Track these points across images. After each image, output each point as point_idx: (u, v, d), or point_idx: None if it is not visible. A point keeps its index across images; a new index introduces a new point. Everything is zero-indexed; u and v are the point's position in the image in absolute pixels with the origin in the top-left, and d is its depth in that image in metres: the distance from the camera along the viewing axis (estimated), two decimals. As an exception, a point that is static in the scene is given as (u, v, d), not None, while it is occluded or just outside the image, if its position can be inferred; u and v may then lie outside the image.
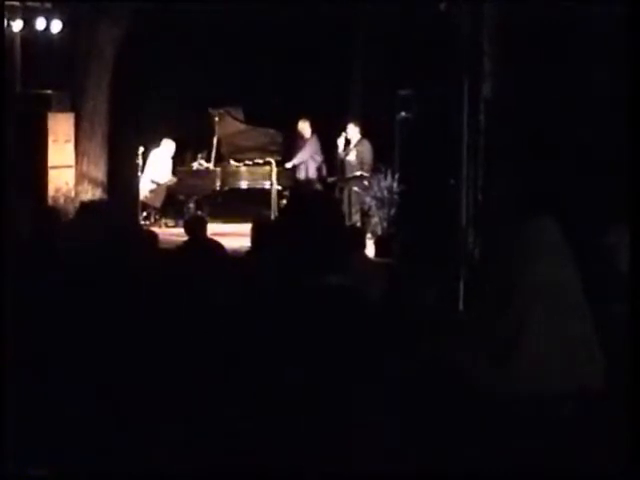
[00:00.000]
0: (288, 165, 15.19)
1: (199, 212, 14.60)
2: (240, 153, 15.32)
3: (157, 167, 15.33)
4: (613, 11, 8.70)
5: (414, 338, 5.33)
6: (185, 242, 9.08)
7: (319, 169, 15.12)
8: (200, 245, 8.88)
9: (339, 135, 14.77)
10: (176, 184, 15.26)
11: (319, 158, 15.11)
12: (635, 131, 5.69)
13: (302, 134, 15.16)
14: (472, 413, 5.26)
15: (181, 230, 14.34)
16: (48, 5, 14.46)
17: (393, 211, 13.27)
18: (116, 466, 3.09)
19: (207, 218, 10.79)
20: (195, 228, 9.17)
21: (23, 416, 3.17)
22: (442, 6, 10.49)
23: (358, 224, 13.81)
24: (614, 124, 8.77)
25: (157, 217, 15.56)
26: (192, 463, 2.94)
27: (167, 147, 15.48)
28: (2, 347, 3.32)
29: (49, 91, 14.48)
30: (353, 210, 14.47)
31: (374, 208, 13.71)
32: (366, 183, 14.12)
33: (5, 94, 10.11)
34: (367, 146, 14.65)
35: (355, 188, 14.49)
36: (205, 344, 3.17)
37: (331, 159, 15.09)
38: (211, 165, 15.23)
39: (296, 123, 15.21)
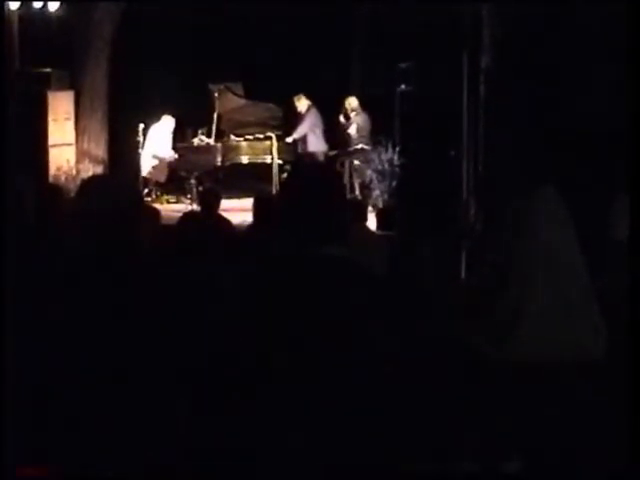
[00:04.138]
0: (289, 139, 15.15)
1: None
2: (241, 128, 15.28)
3: (157, 143, 15.30)
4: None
5: (416, 309, 5.35)
6: (198, 215, 9.07)
7: (320, 142, 15.05)
8: (212, 221, 8.91)
9: (340, 109, 14.76)
10: (177, 160, 15.20)
11: (320, 131, 15.04)
12: (635, 103, 5.68)
13: (298, 109, 15.11)
14: (475, 383, 5.29)
15: (182, 206, 14.45)
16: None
17: (394, 183, 13.28)
18: (116, 466, 3.09)
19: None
20: (210, 202, 9.22)
21: (23, 416, 3.15)
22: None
23: (359, 197, 13.82)
24: (614, 95, 8.77)
25: (158, 193, 15.55)
26: (193, 463, 2.94)
27: (167, 123, 15.43)
28: (2, 328, 3.32)
29: (48, 69, 14.47)
30: (354, 183, 14.48)
31: (375, 181, 13.71)
32: (367, 156, 14.12)
33: (4, 73, 10.08)
34: (365, 118, 14.63)
35: (356, 161, 14.49)
36: (204, 328, 3.16)
37: (333, 133, 15.06)
38: (212, 140, 15.19)
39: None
